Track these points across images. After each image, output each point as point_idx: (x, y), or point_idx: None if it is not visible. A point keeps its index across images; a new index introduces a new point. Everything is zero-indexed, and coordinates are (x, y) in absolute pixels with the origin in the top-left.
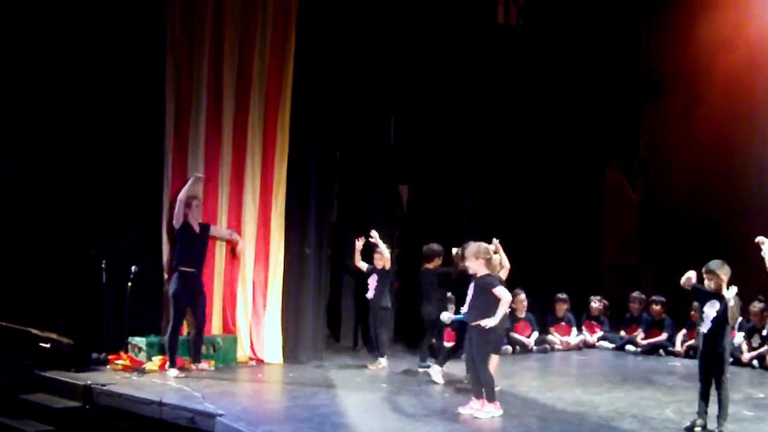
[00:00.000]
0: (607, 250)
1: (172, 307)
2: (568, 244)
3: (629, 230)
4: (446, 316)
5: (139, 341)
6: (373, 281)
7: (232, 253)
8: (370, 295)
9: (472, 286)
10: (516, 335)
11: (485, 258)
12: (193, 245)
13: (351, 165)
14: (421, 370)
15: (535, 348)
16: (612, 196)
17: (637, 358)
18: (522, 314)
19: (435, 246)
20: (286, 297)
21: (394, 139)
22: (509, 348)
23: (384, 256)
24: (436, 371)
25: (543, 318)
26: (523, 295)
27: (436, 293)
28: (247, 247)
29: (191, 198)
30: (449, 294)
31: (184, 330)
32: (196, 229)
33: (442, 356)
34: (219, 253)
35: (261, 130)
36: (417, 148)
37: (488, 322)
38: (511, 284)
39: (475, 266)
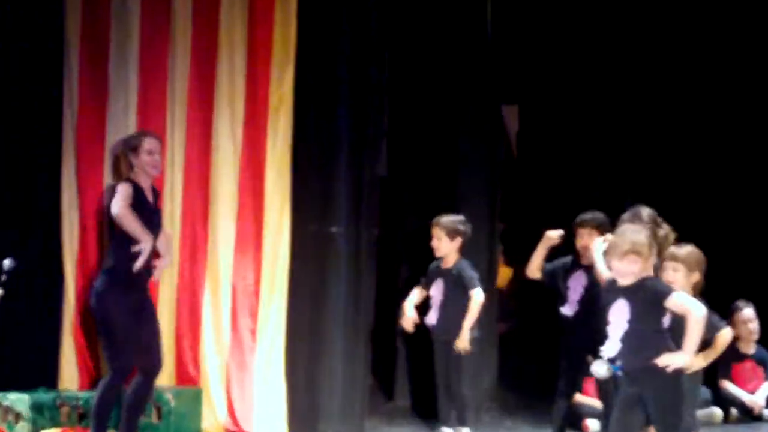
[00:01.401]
0: None
1: (109, 339)
2: None
3: None
4: (603, 368)
5: (16, 401)
6: (438, 292)
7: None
8: (432, 319)
9: (618, 301)
10: (731, 387)
11: (649, 248)
12: (150, 227)
13: (412, 74)
14: None
15: None
16: None
17: None
18: (749, 348)
19: (599, 215)
20: (294, 317)
21: (492, 28)
22: (717, 411)
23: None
24: None
25: None
26: (750, 312)
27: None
28: (222, 228)
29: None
30: None
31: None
32: (150, 199)
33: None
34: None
35: (244, 16)
36: (532, 41)
37: (677, 360)
38: (719, 293)
39: (634, 265)
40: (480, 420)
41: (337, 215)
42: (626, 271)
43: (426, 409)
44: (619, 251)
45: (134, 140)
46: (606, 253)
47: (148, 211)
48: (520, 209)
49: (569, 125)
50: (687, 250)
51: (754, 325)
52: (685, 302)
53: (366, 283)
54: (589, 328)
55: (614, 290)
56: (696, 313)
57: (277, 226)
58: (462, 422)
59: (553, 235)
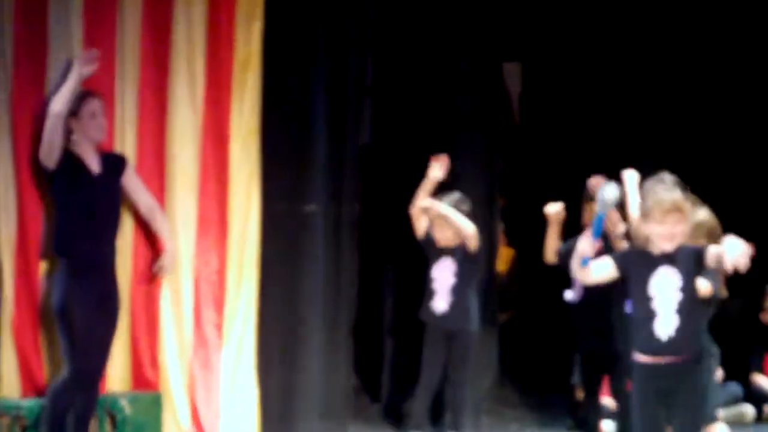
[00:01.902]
0: None
1: (68, 336)
2: None
3: None
4: (614, 192)
5: None
6: (444, 274)
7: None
8: (441, 306)
9: (659, 271)
10: (764, 381)
11: (688, 206)
12: (95, 200)
13: (400, 28)
14: None
15: None
16: None
17: None
18: None
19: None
20: (265, 310)
21: None
22: (749, 409)
23: (462, 226)
24: None
25: None
26: None
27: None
28: (181, 207)
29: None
30: None
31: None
32: (93, 167)
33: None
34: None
35: None
36: None
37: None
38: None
39: (679, 225)
40: (479, 423)
41: (313, 191)
42: (672, 233)
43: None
44: (659, 211)
45: (73, 103)
46: (642, 219)
47: (89, 184)
48: (523, 182)
49: (577, 86)
50: (701, 216)
51: None
52: (717, 248)
53: (347, 268)
54: (602, 314)
55: (650, 259)
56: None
57: (245, 205)
58: (459, 427)
59: (555, 211)
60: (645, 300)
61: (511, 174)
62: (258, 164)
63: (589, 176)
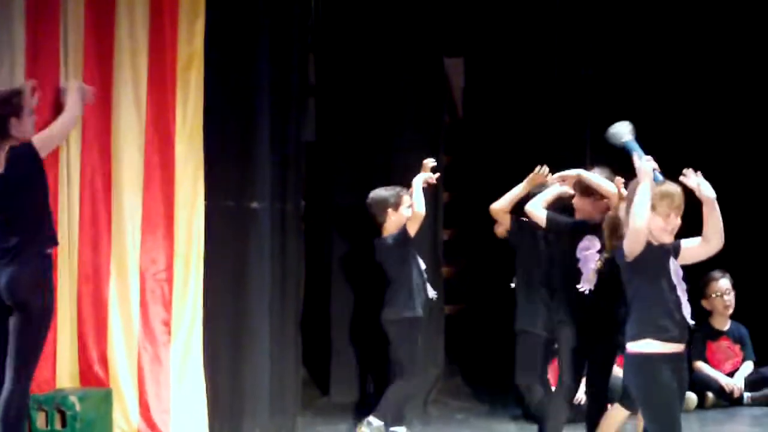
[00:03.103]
0: None
1: (39, 340)
2: None
3: None
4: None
5: None
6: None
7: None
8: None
9: (672, 262)
10: (706, 369)
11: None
12: (30, 192)
13: (343, 24)
14: None
15: (748, 396)
16: None
17: None
18: (724, 324)
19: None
20: (213, 305)
21: None
22: (691, 396)
23: (411, 204)
24: None
25: (766, 333)
26: (726, 282)
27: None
28: (127, 205)
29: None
30: None
31: None
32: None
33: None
34: (65, 219)
35: None
36: None
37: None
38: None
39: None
40: (426, 413)
41: (258, 188)
42: (676, 226)
43: (366, 404)
44: (676, 205)
45: (15, 98)
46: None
47: None
48: (467, 176)
49: (521, 80)
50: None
51: (730, 298)
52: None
53: (293, 263)
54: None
55: (664, 251)
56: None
57: (190, 202)
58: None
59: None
60: (672, 289)
61: (455, 168)
62: (203, 162)
63: (533, 170)
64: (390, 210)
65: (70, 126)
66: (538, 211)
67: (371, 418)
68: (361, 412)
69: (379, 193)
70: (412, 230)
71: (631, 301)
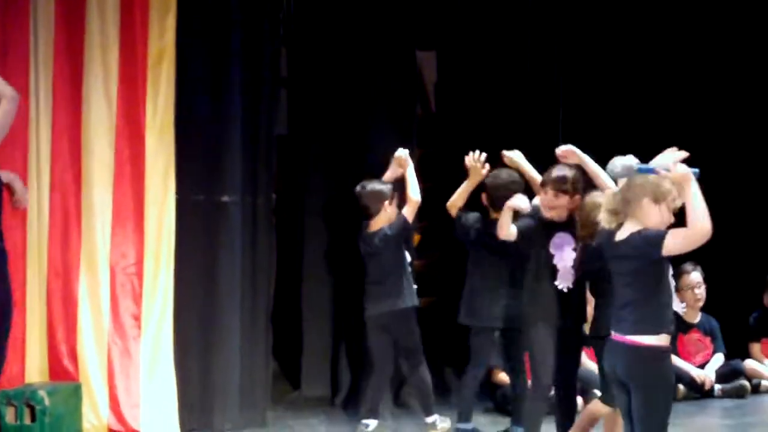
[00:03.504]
0: None
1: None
2: None
3: None
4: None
5: None
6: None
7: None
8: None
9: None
10: (677, 361)
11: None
12: None
13: (315, 17)
14: None
15: (719, 388)
16: None
17: None
18: (695, 316)
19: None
20: (183, 299)
21: None
22: None
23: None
24: None
25: (736, 324)
26: (697, 276)
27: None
28: (97, 199)
29: None
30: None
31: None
32: None
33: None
34: (35, 214)
35: None
36: None
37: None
38: None
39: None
40: (398, 406)
41: (228, 182)
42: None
43: (336, 398)
44: (672, 198)
45: None
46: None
47: None
48: (440, 169)
49: (493, 74)
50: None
51: (701, 292)
52: None
53: (264, 257)
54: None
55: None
56: None
57: (161, 196)
58: (429, 410)
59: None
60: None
61: (428, 162)
62: (173, 156)
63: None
64: (386, 203)
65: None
66: (507, 230)
67: (432, 419)
68: (330, 404)
69: (376, 185)
70: (411, 218)
71: (647, 294)
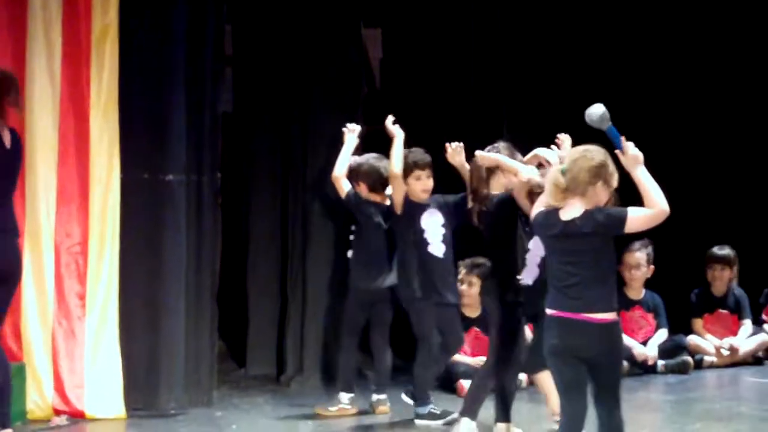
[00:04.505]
0: None
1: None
2: (731, 143)
3: None
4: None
5: None
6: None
7: None
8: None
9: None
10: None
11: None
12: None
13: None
14: (421, 422)
15: (662, 364)
16: None
17: None
18: (638, 292)
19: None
20: (128, 279)
21: None
22: None
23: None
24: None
25: (679, 300)
26: (642, 254)
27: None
28: (42, 178)
29: None
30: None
31: None
32: (6, 142)
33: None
34: None
35: None
36: None
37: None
38: None
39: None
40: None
41: (173, 160)
42: None
43: (282, 376)
44: (615, 179)
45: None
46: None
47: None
48: (386, 146)
49: (439, 51)
50: None
51: (640, 273)
52: None
53: (209, 236)
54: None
55: None
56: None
57: (106, 175)
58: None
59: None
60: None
61: (374, 139)
62: (118, 135)
63: (450, 141)
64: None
65: None
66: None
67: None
68: (276, 384)
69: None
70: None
71: (605, 271)
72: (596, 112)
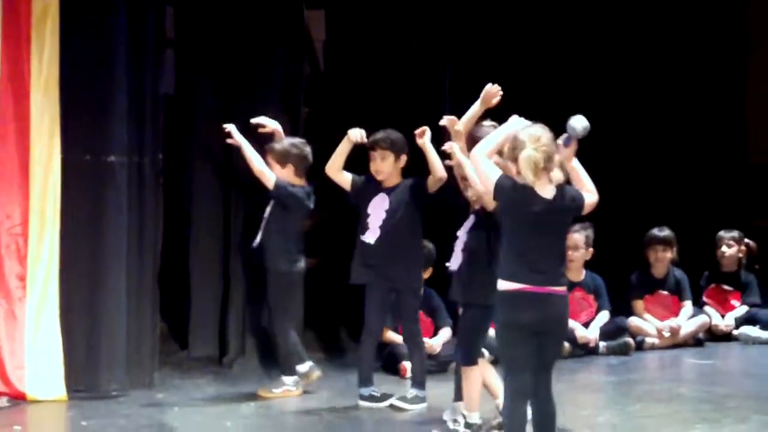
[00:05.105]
0: (756, 138)
1: None
2: (670, 125)
3: None
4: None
5: None
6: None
7: None
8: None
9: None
10: None
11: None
12: None
13: None
14: (363, 403)
15: (603, 346)
16: None
17: None
18: (579, 274)
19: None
20: (69, 260)
21: None
22: None
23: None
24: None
25: (621, 282)
26: (581, 236)
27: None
28: None
29: None
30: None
31: None
32: None
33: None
34: None
35: None
36: None
37: None
38: None
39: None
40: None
41: (115, 141)
42: None
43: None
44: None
45: None
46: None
47: None
48: (328, 128)
49: (381, 32)
50: None
51: (578, 254)
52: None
53: (151, 217)
54: (399, 257)
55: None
56: None
57: (46, 156)
58: (289, 371)
59: (355, 135)
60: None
61: (316, 121)
62: (59, 115)
63: (391, 123)
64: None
65: None
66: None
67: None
68: (218, 365)
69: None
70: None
71: (564, 246)
72: (583, 125)
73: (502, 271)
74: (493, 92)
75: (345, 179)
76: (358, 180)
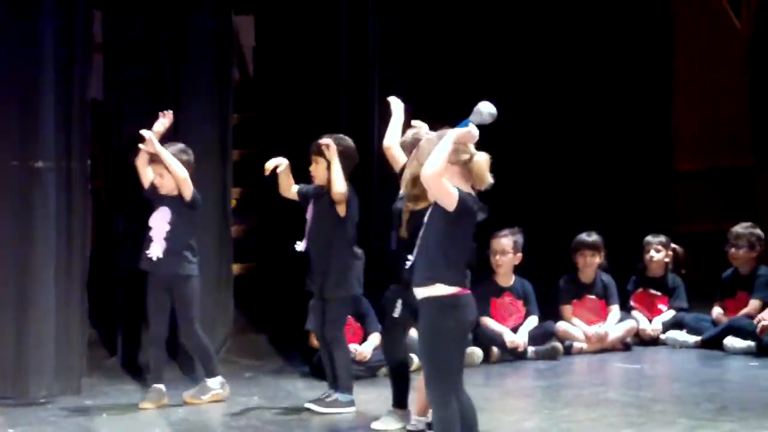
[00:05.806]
0: (681, 144)
1: None
2: (596, 132)
3: (730, 100)
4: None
5: None
6: (159, 223)
7: None
8: (156, 253)
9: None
10: (491, 324)
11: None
12: None
13: None
14: (314, 407)
15: (532, 350)
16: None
17: (752, 364)
18: (508, 279)
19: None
20: None
21: None
22: (477, 351)
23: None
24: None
25: (549, 287)
26: (509, 240)
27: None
28: None
29: None
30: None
31: None
32: None
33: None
34: None
35: None
36: None
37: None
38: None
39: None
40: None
41: (42, 147)
42: None
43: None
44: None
45: None
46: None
47: None
48: (257, 134)
49: (311, 38)
50: None
51: (506, 259)
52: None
53: (79, 224)
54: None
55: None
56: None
57: None
58: (208, 374)
59: (269, 166)
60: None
61: (245, 127)
62: None
63: (321, 129)
64: None
65: None
66: None
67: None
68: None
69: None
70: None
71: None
72: (491, 111)
73: (445, 277)
74: (398, 104)
75: (293, 193)
76: (304, 189)
